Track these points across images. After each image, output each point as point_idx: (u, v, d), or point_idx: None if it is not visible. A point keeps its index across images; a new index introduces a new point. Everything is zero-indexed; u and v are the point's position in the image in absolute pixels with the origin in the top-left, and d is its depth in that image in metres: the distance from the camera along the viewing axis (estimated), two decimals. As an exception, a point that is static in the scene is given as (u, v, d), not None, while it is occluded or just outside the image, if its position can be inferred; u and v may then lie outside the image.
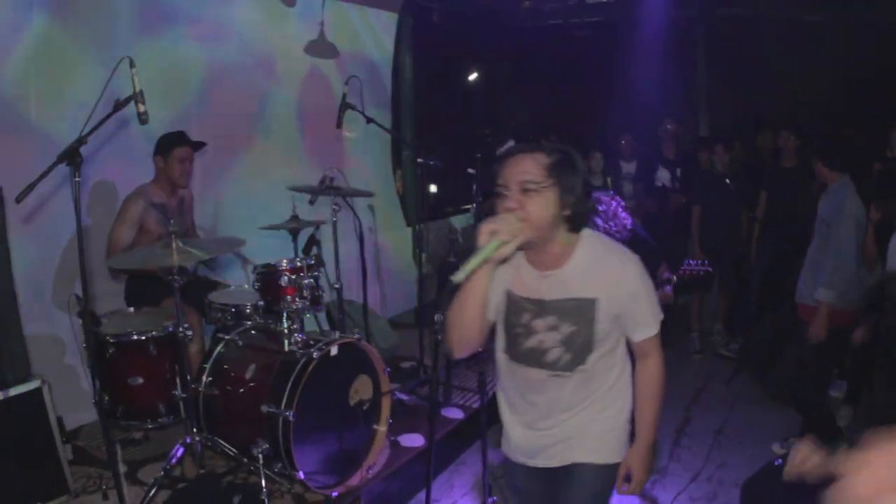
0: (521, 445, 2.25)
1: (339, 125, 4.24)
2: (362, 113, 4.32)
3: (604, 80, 7.42)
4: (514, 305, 2.10)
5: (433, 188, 4.69)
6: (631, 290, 2.02)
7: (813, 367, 3.79)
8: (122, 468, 3.50)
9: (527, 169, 1.93)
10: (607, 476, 2.16)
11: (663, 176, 6.20)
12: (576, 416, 2.14)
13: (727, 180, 5.52)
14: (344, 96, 4.22)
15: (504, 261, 1.95)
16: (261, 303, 3.60)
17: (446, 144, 6.51)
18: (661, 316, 2.10)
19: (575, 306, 2.01)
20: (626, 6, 7.16)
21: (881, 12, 6.08)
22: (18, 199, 2.68)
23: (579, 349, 2.04)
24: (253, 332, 3.46)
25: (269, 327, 3.57)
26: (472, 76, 6.66)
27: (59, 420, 3.34)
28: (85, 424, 4.01)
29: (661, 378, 2.16)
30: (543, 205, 1.92)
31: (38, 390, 3.20)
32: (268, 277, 3.59)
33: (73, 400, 3.87)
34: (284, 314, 3.51)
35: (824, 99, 6.33)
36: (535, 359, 2.08)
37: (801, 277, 3.84)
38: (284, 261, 3.61)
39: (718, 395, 4.85)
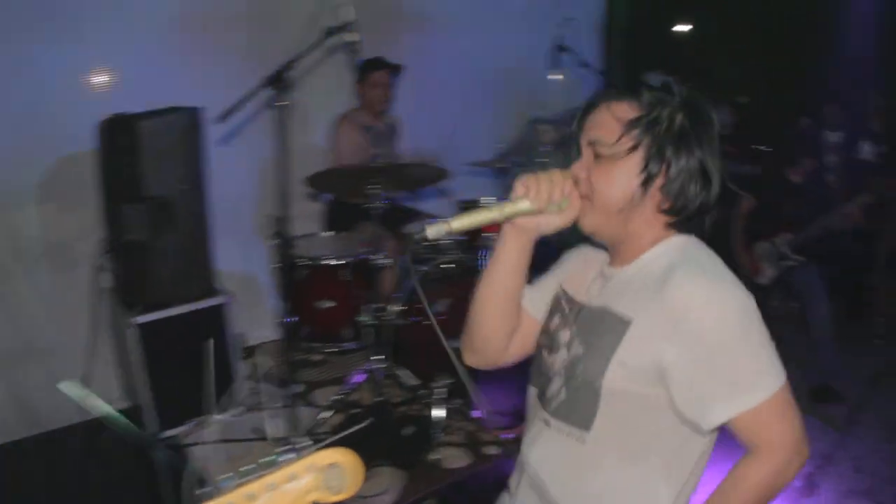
0: None
1: (554, 67, 4.17)
2: (580, 57, 4.19)
3: (820, 42, 6.70)
4: (555, 304, 1.47)
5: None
6: (709, 340, 1.16)
7: None
8: (299, 388, 3.60)
9: (601, 121, 1.25)
10: None
11: (865, 150, 5.57)
12: None
13: None
14: (562, 38, 4.13)
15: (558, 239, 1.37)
16: (461, 238, 3.56)
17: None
18: (775, 377, 1.18)
19: (599, 322, 1.29)
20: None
21: None
22: (222, 119, 2.72)
23: (577, 393, 1.29)
24: (449, 265, 3.42)
25: (466, 263, 3.52)
26: (683, 27, 6.28)
27: (240, 336, 3.44)
28: (266, 342, 4.15)
29: (766, 489, 1.19)
30: (615, 180, 1.24)
31: (221, 307, 3.34)
32: (471, 213, 3.51)
33: (257, 318, 4.01)
34: (482, 252, 3.44)
35: None
36: (540, 387, 1.43)
37: None
38: (492, 199, 3.51)
39: (896, 387, 4.31)
